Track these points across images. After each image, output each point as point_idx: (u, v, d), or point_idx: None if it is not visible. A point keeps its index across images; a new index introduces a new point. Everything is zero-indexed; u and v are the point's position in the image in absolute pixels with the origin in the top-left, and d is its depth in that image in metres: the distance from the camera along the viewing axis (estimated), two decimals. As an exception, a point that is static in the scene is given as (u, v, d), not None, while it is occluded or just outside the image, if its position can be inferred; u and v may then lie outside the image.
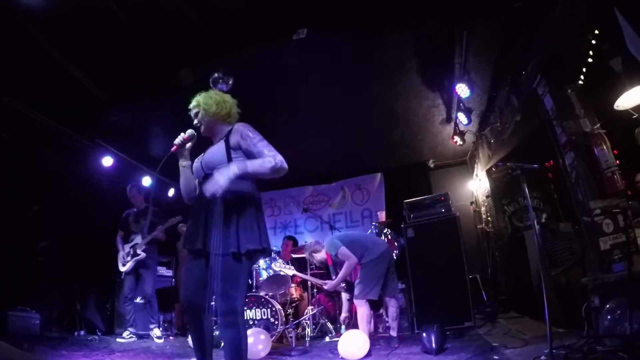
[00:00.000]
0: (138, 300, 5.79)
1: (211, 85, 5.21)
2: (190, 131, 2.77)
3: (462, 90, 5.27)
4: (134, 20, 4.79)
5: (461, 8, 4.43)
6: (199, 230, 2.53)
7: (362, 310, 4.84)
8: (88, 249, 6.21)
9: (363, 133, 7.43)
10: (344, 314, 5.53)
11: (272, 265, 5.83)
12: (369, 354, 4.28)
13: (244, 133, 2.64)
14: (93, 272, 6.29)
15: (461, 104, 5.84)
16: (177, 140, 2.73)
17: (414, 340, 5.04)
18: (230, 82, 5.26)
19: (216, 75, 5.22)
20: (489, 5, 4.42)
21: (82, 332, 5.70)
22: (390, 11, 4.80)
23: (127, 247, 5.92)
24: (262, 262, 5.98)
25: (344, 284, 5.37)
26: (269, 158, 2.51)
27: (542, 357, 3.08)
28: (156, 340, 5.53)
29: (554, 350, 3.07)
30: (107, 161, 6.73)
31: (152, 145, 7.35)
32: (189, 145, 2.80)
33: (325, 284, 5.38)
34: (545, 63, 4.16)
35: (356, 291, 4.92)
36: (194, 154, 2.88)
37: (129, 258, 5.82)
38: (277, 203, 9.53)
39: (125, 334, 5.55)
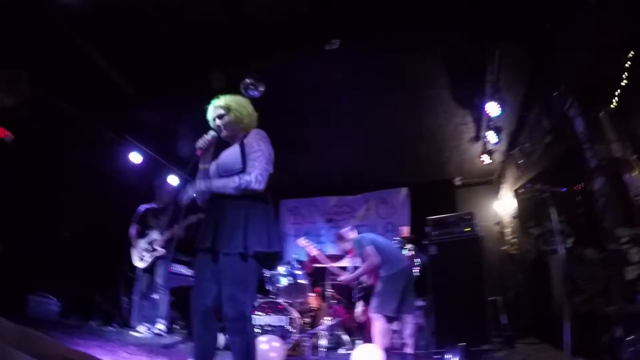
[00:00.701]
0: (155, 296, 5.85)
1: (242, 90, 5.27)
2: (212, 133, 2.81)
3: (493, 108, 5.22)
4: (167, 20, 4.90)
5: (493, 27, 4.41)
6: (209, 229, 2.56)
7: (378, 324, 4.79)
8: (110, 241, 6.34)
9: (390, 147, 7.41)
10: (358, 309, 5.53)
11: (299, 241, 5.82)
12: (382, 370, 4.25)
13: (250, 140, 2.70)
14: (113, 264, 6.39)
15: (491, 123, 5.78)
16: (202, 144, 2.77)
17: (431, 359, 4.99)
18: (261, 89, 5.33)
19: (247, 80, 5.29)
20: (520, 26, 4.39)
21: (99, 323, 5.78)
22: (422, 26, 4.81)
23: (142, 242, 5.83)
24: (282, 269, 6.01)
25: (357, 282, 5.34)
26: (235, 178, 2.59)
27: (559, 386, 3.01)
28: (155, 332, 5.44)
29: (571, 379, 2.99)
30: (135, 157, 6.88)
31: (181, 145, 7.48)
32: (212, 148, 2.85)
33: (341, 275, 5.37)
34: (577, 85, 4.08)
35: (373, 304, 4.89)
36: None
37: (145, 254, 5.76)
38: (301, 211, 9.55)
39: (141, 328, 5.61)
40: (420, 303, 5.90)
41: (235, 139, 2.86)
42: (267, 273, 6.24)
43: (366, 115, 6.49)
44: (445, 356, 4.18)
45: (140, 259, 5.82)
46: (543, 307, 5.58)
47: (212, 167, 2.83)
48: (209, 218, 2.64)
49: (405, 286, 4.96)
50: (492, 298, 5.91)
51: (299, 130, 6.69)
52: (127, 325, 6.18)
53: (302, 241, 5.89)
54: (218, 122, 2.85)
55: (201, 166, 2.85)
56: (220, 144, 2.93)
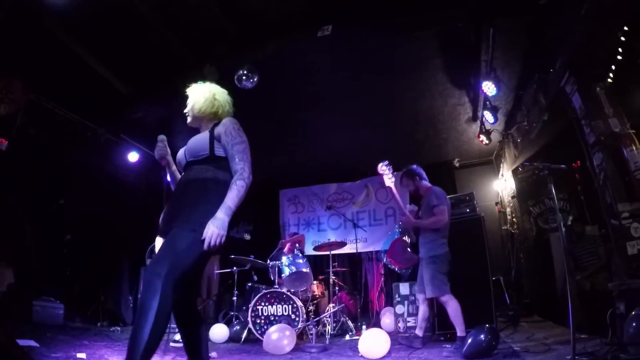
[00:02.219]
0: None
1: (236, 82, 5.24)
2: (160, 137, 2.81)
3: (489, 88, 5.16)
4: (157, 17, 4.86)
5: (487, 5, 4.35)
6: (169, 214, 2.52)
7: (452, 304, 4.47)
8: (112, 241, 6.32)
9: (388, 131, 7.39)
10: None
11: (379, 167, 5.48)
12: (388, 354, 4.25)
13: (228, 129, 2.59)
14: (117, 265, 6.39)
15: (487, 102, 5.74)
16: (161, 154, 2.77)
17: (435, 341, 5.00)
18: (255, 80, 5.28)
19: (241, 72, 5.24)
20: (515, 3, 4.33)
21: (105, 323, 5.78)
22: (415, 7, 4.75)
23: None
24: (284, 259, 6.01)
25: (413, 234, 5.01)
26: (240, 182, 2.44)
27: (564, 364, 3.01)
28: (172, 344, 4.88)
29: (576, 357, 2.99)
30: (133, 157, 6.85)
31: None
32: (167, 149, 2.82)
33: (405, 215, 5.03)
34: (573, 61, 4.03)
35: (429, 291, 4.59)
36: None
37: None
38: (301, 200, 9.55)
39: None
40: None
41: (204, 128, 2.80)
42: (270, 263, 6.25)
43: (362, 101, 6.44)
44: (469, 337, 4.03)
45: None
46: (545, 285, 5.60)
47: (180, 153, 2.76)
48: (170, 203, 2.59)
49: (449, 269, 4.68)
50: (495, 278, 5.91)
51: (294, 118, 6.66)
52: (133, 324, 6.14)
53: (382, 167, 5.50)
54: (185, 111, 2.85)
55: (169, 170, 2.85)
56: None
